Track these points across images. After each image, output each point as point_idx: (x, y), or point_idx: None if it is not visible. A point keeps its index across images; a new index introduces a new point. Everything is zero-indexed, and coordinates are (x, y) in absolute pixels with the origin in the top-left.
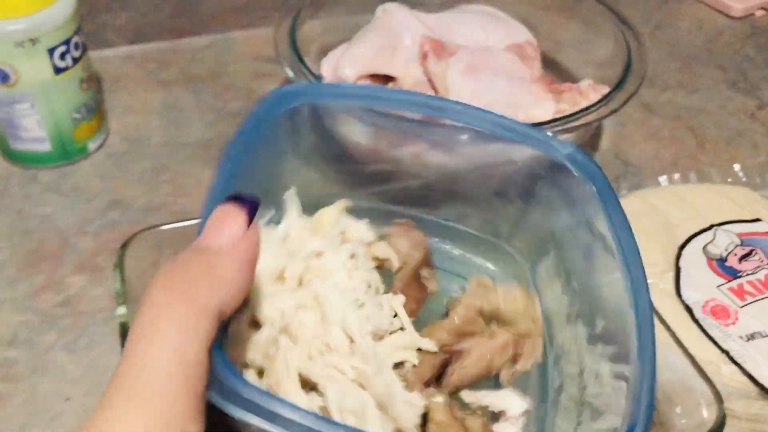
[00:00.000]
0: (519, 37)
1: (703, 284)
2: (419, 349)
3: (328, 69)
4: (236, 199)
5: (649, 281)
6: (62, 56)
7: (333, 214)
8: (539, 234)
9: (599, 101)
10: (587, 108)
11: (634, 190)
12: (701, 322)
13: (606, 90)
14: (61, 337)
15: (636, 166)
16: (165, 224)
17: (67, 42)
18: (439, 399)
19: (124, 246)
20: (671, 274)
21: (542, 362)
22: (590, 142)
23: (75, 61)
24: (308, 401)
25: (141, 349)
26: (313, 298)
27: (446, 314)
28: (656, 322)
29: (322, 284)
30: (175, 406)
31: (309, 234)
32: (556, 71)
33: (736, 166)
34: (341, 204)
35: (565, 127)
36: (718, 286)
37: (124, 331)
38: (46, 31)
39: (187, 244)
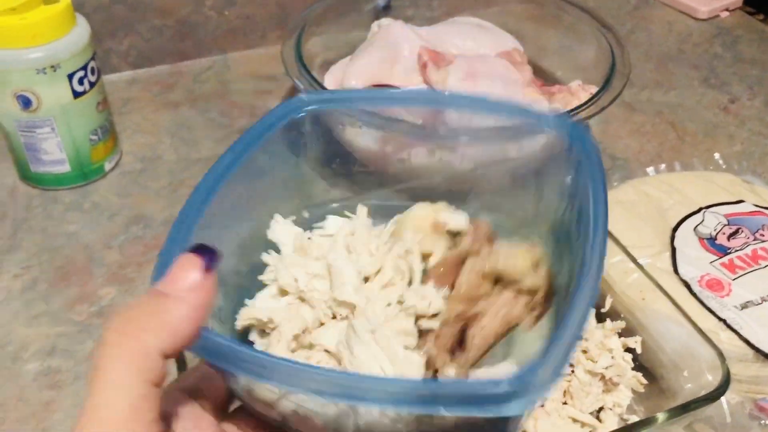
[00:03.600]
0: (507, 45)
1: (697, 261)
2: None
3: (332, 81)
4: (197, 249)
5: (647, 261)
6: (80, 81)
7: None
8: (554, 217)
9: (589, 100)
10: (579, 107)
11: (626, 180)
12: (699, 295)
13: (594, 89)
14: None
15: (623, 159)
16: None
17: (84, 67)
18: (451, 372)
19: None
20: (668, 254)
21: None
22: None
23: (92, 85)
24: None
25: (96, 388)
26: (326, 268)
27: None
28: (659, 295)
29: (334, 252)
30: None
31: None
32: (542, 76)
33: (716, 155)
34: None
35: None
36: (711, 262)
37: None
38: (65, 57)
39: None
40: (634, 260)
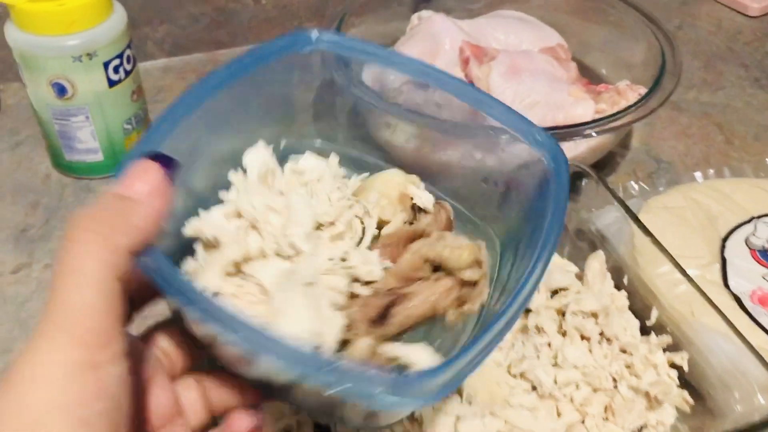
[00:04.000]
0: (550, 41)
1: (748, 274)
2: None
3: (370, 76)
4: (157, 156)
5: (696, 272)
6: (116, 69)
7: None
8: (515, 220)
9: (638, 101)
10: (627, 108)
11: (673, 185)
12: (750, 310)
13: (643, 90)
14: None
15: (668, 162)
16: None
17: (120, 55)
18: (364, 342)
19: None
20: (717, 266)
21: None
22: (621, 141)
23: (127, 73)
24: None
25: (66, 282)
26: (285, 205)
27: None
28: (708, 309)
29: (296, 193)
30: (100, 329)
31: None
32: (586, 73)
33: None
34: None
35: (607, 126)
36: (764, 276)
37: None
38: (102, 45)
39: None
40: (682, 271)
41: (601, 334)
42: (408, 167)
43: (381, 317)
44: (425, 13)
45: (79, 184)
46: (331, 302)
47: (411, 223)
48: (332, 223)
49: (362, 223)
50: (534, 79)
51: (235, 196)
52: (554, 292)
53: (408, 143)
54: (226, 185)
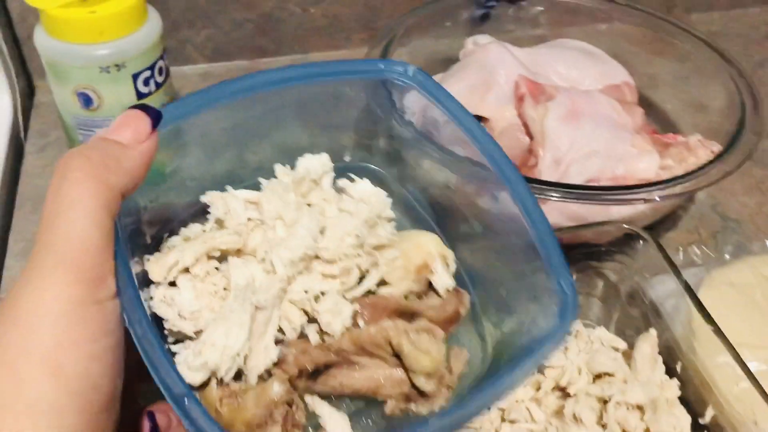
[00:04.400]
0: (616, 78)
1: None
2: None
3: (415, 102)
4: (143, 107)
5: (764, 367)
6: (146, 82)
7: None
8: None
9: (710, 162)
10: (697, 170)
11: (741, 256)
12: None
13: (717, 148)
14: None
15: (736, 221)
16: None
17: (151, 68)
18: (277, 387)
19: None
20: None
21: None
22: None
23: (158, 86)
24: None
25: (64, 216)
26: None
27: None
28: None
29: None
30: (97, 263)
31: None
32: (652, 112)
33: None
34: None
35: (672, 192)
36: None
37: None
38: (131, 56)
39: None
40: (744, 366)
41: (647, 431)
42: (447, 208)
43: (315, 372)
44: (481, 39)
45: None
46: (276, 333)
47: (419, 296)
48: (329, 262)
49: (362, 272)
50: (595, 125)
51: (267, 188)
52: (597, 376)
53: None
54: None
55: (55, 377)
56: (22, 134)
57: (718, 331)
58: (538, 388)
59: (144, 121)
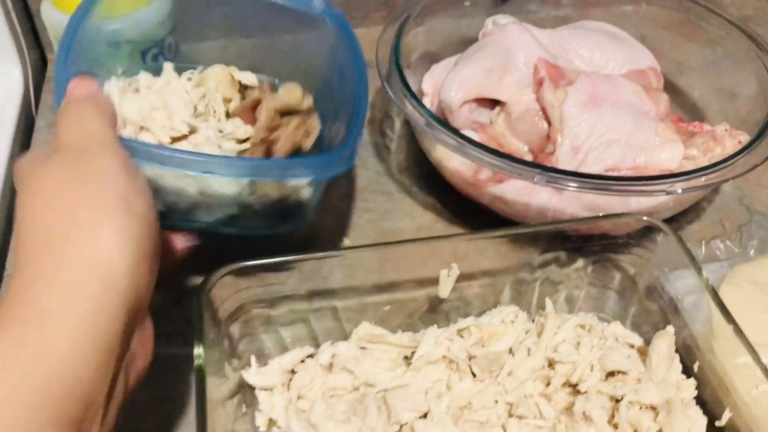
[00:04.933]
0: (641, 62)
1: None
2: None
3: (431, 85)
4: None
5: None
6: (155, 58)
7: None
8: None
9: (737, 153)
10: (723, 161)
11: (765, 250)
12: None
13: (744, 139)
14: None
15: (763, 215)
16: (247, 261)
17: (160, 44)
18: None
19: (204, 284)
20: None
21: None
22: None
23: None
24: None
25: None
26: (162, 104)
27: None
28: None
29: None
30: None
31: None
32: (678, 98)
33: None
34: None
35: (696, 184)
36: None
37: (200, 374)
38: (139, 32)
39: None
40: (763, 367)
41: None
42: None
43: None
44: (501, 19)
45: None
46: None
47: (244, 98)
48: (195, 112)
49: (213, 104)
50: (616, 112)
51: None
52: (610, 374)
53: (461, 167)
54: None
55: (129, 213)
56: (33, 109)
57: (739, 331)
58: (548, 384)
59: (90, 82)
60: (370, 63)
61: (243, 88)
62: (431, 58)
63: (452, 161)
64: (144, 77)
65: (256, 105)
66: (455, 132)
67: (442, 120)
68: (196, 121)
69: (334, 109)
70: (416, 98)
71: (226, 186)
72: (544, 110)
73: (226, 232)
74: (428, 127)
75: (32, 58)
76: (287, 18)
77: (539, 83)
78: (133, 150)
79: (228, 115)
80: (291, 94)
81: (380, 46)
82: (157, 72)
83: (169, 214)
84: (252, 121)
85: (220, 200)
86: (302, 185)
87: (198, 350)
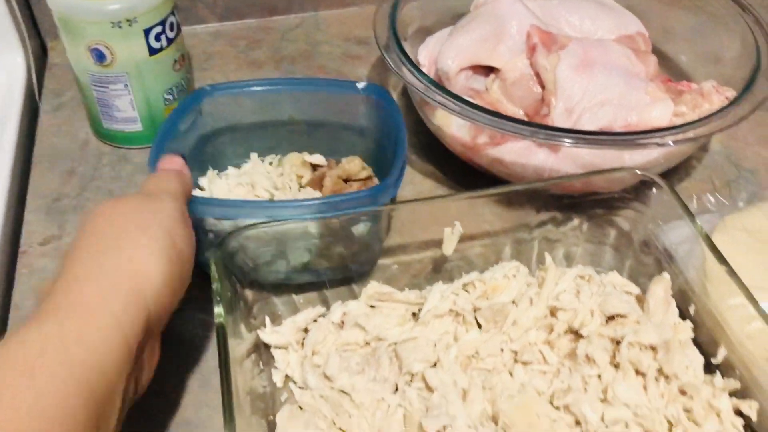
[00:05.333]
0: (630, 28)
1: None
2: None
3: (427, 56)
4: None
5: None
6: (157, 37)
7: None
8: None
9: (724, 108)
10: (711, 115)
11: (754, 202)
12: None
13: (731, 94)
14: None
15: (750, 170)
16: (263, 223)
17: (162, 23)
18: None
19: (221, 244)
20: None
21: None
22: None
23: (169, 41)
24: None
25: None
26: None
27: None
28: None
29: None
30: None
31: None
32: (666, 64)
33: None
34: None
35: (686, 136)
36: None
37: (221, 332)
38: (142, 11)
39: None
40: (757, 306)
41: (659, 371)
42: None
43: None
44: None
45: (117, 154)
46: None
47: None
48: (276, 187)
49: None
50: (608, 74)
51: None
52: (610, 318)
53: (460, 132)
54: None
55: (171, 246)
56: (36, 94)
57: (732, 273)
58: (551, 331)
59: (177, 158)
60: (366, 39)
61: (314, 168)
62: (426, 33)
63: (451, 127)
64: (231, 170)
65: (323, 177)
66: (455, 96)
67: (441, 86)
68: (275, 191)
69: (388, 166)
70: (415, 66)
71: (292, 230)
72: (537, 75)
73: (302, 281)
74: (428, 93)
75: (33, 46)
76: (341, 100)
77: (532, 49)
78: (205, 203)
79: (301, 186)
80: (351, 163)
81: (377, 20)
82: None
83: (255, 268)
84: (320, 188)
85: (289, 246)
86: (357, 218)
87: (218, 309)
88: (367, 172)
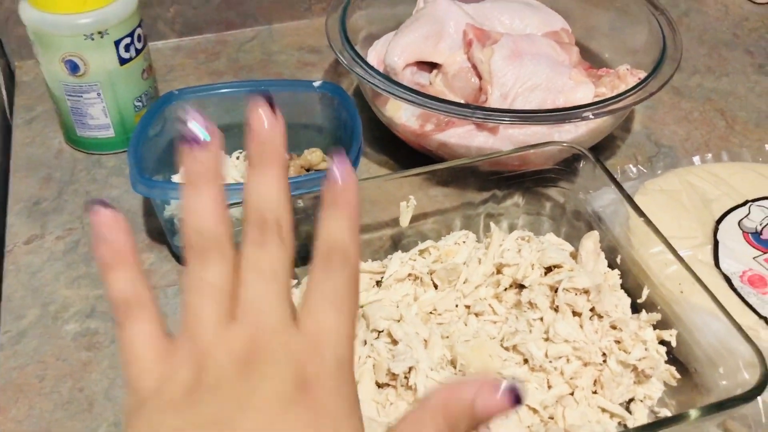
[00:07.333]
0: (555, 25)
1: (740, 256)
2: None
3: (375, 57)
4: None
5: (688, 253)
6: (127, 48)
7: None
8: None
9: (637, 85)
10: (626, 92)
11: (671, 169)
12: (739, 290)
13: (643, 74)
14: None
15: (668, 146)
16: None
17: (131, 34)
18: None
19: None
20: (709, 247)
21: None
22: (623, 125)
23: (138, 52)
24: None
25: None
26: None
27: None
28: (698, 289)
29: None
30: None
31: None
32: (590, 58)
33: (767, 146)
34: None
35: (606, 109)
36: (755, 258)
37: None
38: (113, 24)
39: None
40: (674, 251)
41: (593, 310)
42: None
43: None
44: None
45: (91, 159)
46: None
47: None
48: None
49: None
50: (536, 62)
51: None
52: (548, 270)
53: (409, 121)
54: None
55: None
56: (7, 111)
57: (650, 223)
58: (498, 285)
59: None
60: (318, 48)
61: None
62: (374, 38)
63: (402, 117)
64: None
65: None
66: (406, 87)
67: (392, 79)
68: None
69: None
70: (367, 63)
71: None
72: (474, 67)
73: None
74: (382, 86)
75: (1, 65)
76: (299, 99)
77: (469, 44)
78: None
79: None
80: (312, 153)
81: (329, 27)
82: None
83: None
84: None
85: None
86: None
87: None
88: (328, 163)
